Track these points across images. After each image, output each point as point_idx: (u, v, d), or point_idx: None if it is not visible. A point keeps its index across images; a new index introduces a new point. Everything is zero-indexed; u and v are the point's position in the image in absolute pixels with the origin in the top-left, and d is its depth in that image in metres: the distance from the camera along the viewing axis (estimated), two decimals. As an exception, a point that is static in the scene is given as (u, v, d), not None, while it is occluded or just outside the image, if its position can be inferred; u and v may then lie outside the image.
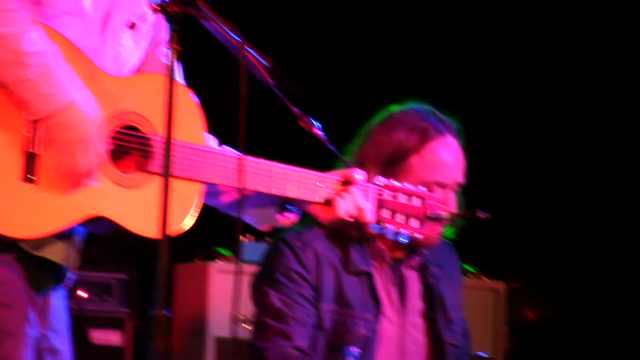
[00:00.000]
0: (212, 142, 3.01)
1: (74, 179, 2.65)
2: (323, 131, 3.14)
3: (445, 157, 3.33)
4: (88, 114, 2.63)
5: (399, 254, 3.36)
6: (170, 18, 2.46)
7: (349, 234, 3.27)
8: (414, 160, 3.31)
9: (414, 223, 3.11)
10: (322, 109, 3.55)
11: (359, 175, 3.07)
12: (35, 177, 2.61)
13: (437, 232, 3.30)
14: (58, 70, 2.60)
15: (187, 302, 5.62)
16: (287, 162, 3.02)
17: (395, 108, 3.46)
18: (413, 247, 3.32)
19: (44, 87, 2.56)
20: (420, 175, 3.27)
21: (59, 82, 2.59)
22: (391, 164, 3.32)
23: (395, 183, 3.13)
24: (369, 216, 3.04)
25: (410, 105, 3.47)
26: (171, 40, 2.44)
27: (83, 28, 2.76)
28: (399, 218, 3.10)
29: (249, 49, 2.65)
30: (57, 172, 2.64)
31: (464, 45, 6.75)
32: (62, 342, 2.88)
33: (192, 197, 2.82)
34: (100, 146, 2.66)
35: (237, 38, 2.61)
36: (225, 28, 2.61)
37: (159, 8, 2.47)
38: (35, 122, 2.60)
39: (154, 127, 2.75)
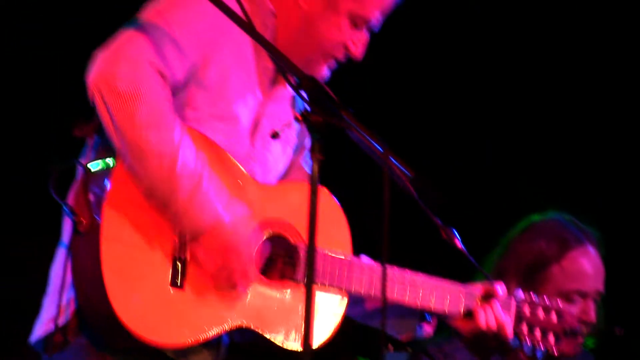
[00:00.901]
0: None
1: (222, 290, 2.69)
2: (463, 243, 3.14)
3: (586, 266, 3.46)
4: (235, 231, 2.68)
5: None
6: (313, 127, 2.43)
7: (489, 346, 3.17)
8: (555, 269, 3.48)
9: (552, 338, 3.14)
10: (460, 219, 3.52)
11: (500, 289, 3.10)
12: (183, 283, 2.65)
13: (575, 345, 3.33)
14: (208, 190, 2.65)
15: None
16: (428, 272, 3.03)
17: (536, 217, 3.59)
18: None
19: (191, 209, 2.62)
20: (560, 285, 3.44)
21: (207, 203, 2.64)
22: (531, 273, 3.49)
23: (534, 297, 3.15)
24: (509, 331, 3.07)
25: (551, 215, 3.55)
26: (313, 149, 2.40)
27: (233, 133, 2.82)
28: (537, 333, 3.14)
29: (392, 159, 2.55)
30: (205, 281, 2.68)
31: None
32: None
33: (339, 312, 2.85)
34: (250, 258, 2.71)
35: (380, 148, 2.54)
36: (368, 137, 2.54)
37: (301, 118, 2.46)
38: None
39: (301, 236, 2.78)
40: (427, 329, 3.11)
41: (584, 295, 3.41)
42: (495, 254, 3.56)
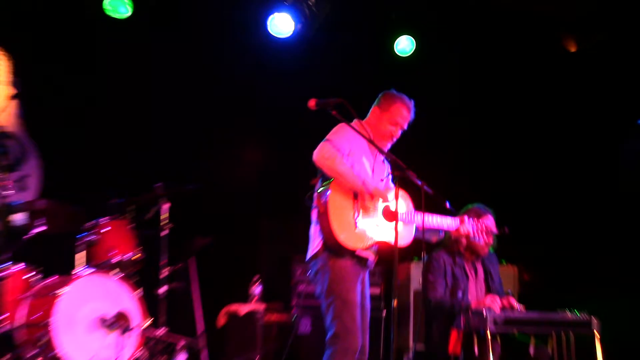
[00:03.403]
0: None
1: (370, 219, 6.19)
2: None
3: (490, 222, 7.12)
4: (378, 189, 6.18)
5: (473, 258, 7.23)
6: (395, 177, 5.85)
7: (456, 250, 7.20)
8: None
9: (483, 234, 6.72)
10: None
11: (466, 217, 6.66)
12: (355, 222, 6.15)
13: (486, 244, 7.15)
14: (365, 181, 6.13)
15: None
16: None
17: (470, 205, 7.27)
18: (478, 254, 7.19)
19: (364, 187, 6.09)
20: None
21: (368, 184, 6.11)
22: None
23: (475, 221, 6.75)
24: (472, 231, 6.66)
25: (477, 204, 7.42)
26: (394, 182, 5.95)
27: (366, 176, 6.31)
28: (479, 232, 6.72)
29: (426, 188, 5.96)
30: (367, 219, 6.16)
31: None
32: (368, 301, 6.29)
33: (412, 232, 6.39)
34: (385, 199, 6.22)
35: (419, 182, 5.89)
36: (412, 177, 5.87)
37: (391, 173, 6.11)
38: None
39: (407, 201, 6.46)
40: (441, 235, 6.78)
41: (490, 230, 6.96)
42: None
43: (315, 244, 6.18)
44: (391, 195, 6.17)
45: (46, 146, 9.07)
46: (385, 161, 6.43)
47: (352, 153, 6.18)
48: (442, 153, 9.86)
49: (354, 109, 6.01)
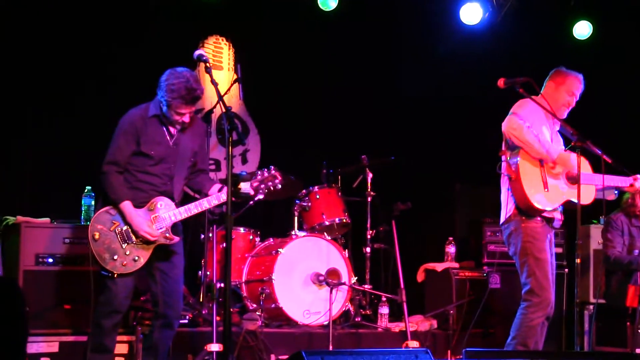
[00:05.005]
0: None
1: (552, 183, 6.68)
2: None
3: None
4: (560, 154, 6.66)
5: None
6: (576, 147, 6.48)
7: (632, 212, 7.92)
8: None
9: None
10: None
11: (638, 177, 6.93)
12: (546, 185, 6.65)
13: None
14: (550, 147, 6.60)
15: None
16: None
17: None
18: None
19: (550, 154, 6.57)
20: None
21: (553, 150, 6.59)
22: None
23: None
24: None
25: None
26: (575, 147, 6.53)
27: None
28: None
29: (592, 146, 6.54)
30: (554, 182, 6.68)
31: None
32: (554, 259, 6.76)
33: (593, 192, 6.76)
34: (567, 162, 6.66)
35: (598, 151, 6.58)
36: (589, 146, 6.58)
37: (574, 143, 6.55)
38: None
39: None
40: (616, 194, 7.18)
41: None
42: None
43: (508, 208, 6.70)
44: (571, 160, 6.55)
45: (265, 124, 10.09)
46: (559, 133, 6.89)
47: (534, 124, 6.62)
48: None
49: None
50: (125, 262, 6.00)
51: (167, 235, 6.08)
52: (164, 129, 6.12)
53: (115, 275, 5.99)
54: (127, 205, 5.99)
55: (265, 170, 6.19)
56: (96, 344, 6.07)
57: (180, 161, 6.18)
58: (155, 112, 6.10)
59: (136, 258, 6.02)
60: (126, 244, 6.01)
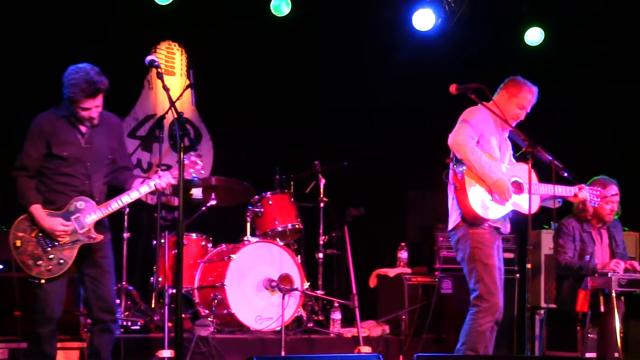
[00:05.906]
0: None
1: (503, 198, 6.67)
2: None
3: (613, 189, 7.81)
4: (501, 179, 6.63)
5: (600, 225, 7.81)
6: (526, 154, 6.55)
7: (584, 218, 7.78)
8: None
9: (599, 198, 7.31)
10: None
11: (583, 186, 7.16)
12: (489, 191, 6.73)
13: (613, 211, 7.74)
14: (491, 169, 6.58)
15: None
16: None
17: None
18: (604, 221, 7.78)
19: (490, 175, 6.59)
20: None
21: (492, 173, 6.58)
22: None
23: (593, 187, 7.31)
24: (589, 197, 7.20)
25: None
26: (525, 156, 6.67)
27: (495, 156, 6.80)
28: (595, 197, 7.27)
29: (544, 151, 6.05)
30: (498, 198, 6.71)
31: None
32: (502, 265, 6.82)
33: (538, 201, 6.85)
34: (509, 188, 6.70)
35: (549, 157, 6.74)
36: (542, 153, 6.72)
37: (525, 150, 6.62)
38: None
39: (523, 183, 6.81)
40: (559, 202, 7.13)
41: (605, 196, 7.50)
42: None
43: (454, 216, 6.76)
44: (506, 188, 6.63)
45: (217, 130, 10.07)
46: (508, 139, 6.92)
47: (483, 134, 6.67)
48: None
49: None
50: (50, 267, 5.91)
51: (91, 235, 6.01)
52: (74, 128, 6.04)
53: (43, 282, 5.89)
54: (36, 209, 5.90)
55: (185, 157, 5.86)
56: (36, 353, 5.99)
57: (96, 159, 6.09)
58: (63, 112, 6.02)
59: (61, 261, 5.93)
60: (50, 248, 5.92)
